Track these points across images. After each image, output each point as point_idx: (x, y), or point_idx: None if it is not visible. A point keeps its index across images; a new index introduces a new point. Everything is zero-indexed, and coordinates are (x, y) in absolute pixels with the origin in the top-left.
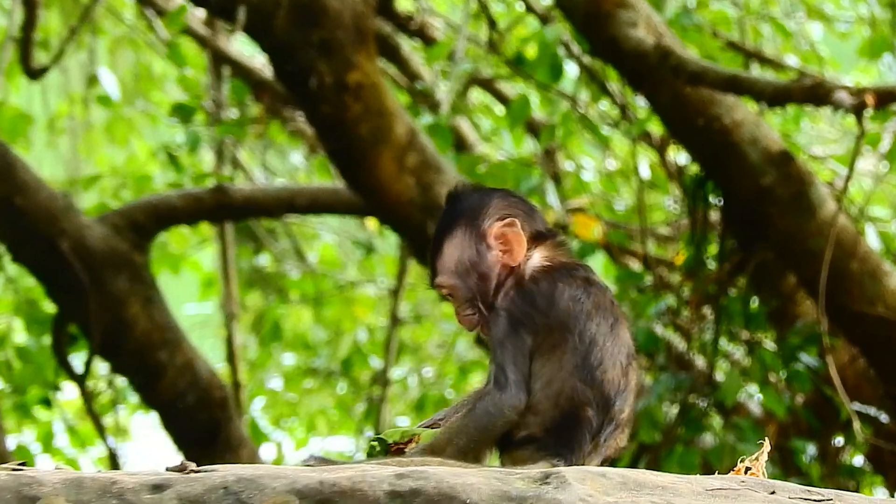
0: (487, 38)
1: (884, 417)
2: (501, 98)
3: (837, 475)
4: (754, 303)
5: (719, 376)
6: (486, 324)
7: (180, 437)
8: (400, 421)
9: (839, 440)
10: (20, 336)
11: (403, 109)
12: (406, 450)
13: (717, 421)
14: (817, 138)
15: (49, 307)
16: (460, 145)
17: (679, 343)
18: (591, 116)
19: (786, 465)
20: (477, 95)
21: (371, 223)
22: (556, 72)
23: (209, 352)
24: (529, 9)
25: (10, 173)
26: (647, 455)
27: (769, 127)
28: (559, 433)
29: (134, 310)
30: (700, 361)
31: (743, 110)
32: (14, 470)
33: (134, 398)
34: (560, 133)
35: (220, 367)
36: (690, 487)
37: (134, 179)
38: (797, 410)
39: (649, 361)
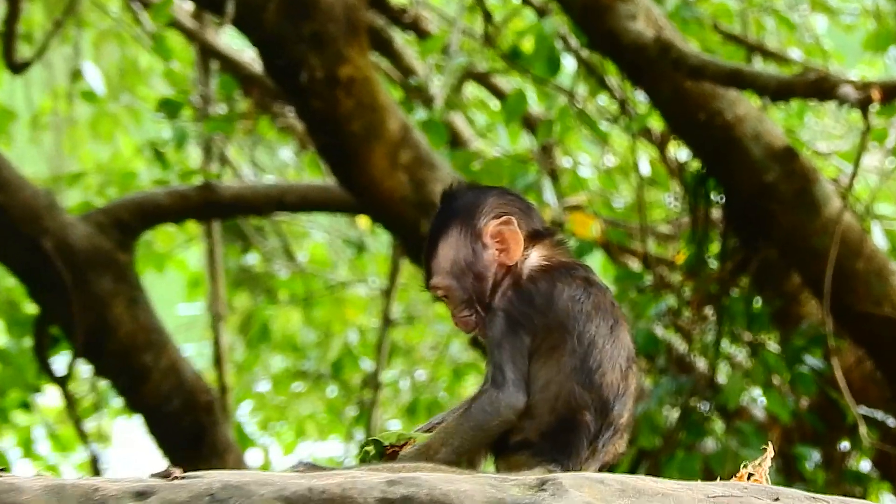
0: (483, 31)
1: (891, 421)
2: (497, 93)
3: (843, 481)
4: (757, 303)
5: (721, 379)
6: (483, 325)
7: (165, 442)
8: (391, 425)
9: (845, 445)
10: (0, 338)
11: (396, 104)
12: (401, 453)
13: (718, 425)
14: (822, 134)
15: (31, 308)
16: (455, 141)
17: (680, 345)
18: (590, 111)
19: (790, 471)
20: (472, 90)
21: (363, 221)
22: (554, 66)
23: (195, 354)
24: (526, 1)
25: None
26: (647, 461)
27: (772, 122)
28: (556, 438)
29: (118, 311)
30: (701, 364)
31: (745, 105)
32: None
33: (117, 402)
34: (557, 129)
35: (206, 369)
36: (691, 494)
37: (119, 176)
38: (801, 414)
39: (649, 364)
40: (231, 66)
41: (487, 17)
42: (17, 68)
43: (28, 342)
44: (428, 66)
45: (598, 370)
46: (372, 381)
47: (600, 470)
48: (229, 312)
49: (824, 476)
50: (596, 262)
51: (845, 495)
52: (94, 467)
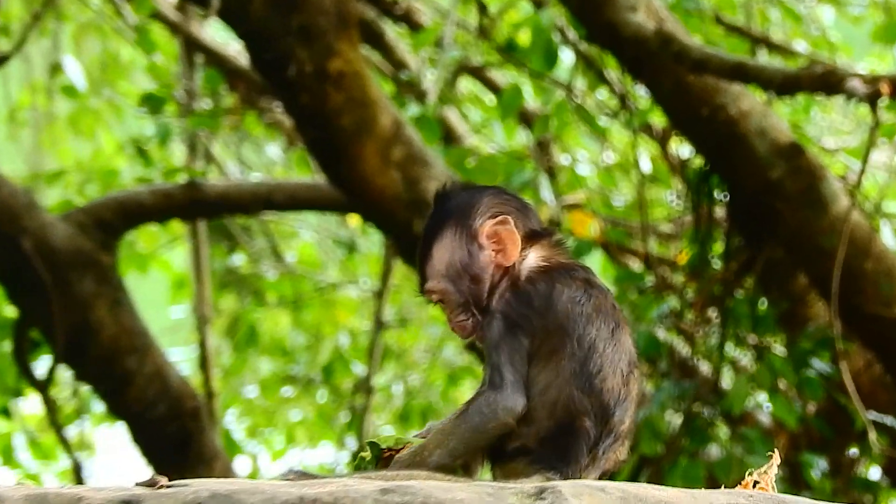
0: (477, 24)
1: None
2: (492, 87)
3: (852, 489)
4: (762, 305)
5: (725, 383)
6: (480, 330)
7: (150, 449)
8: (384, 431)
9: (854, 452)
10: None
11: (388, 99)
12: (396, 456)
13: (723, 431)
14: (829, 129)
15: (10, 311)
16: (448, 137)
17: (682, 348)
18: (588, 106)
19: (796, 479)
20: (466, 84)
21: (353, 220)
22: (551, 59)
23: (180, 358)
24: None
25: None
26: (649, 468)
27: (778, 117)
28: (555, 445)
29: (100, 313)
30: (705, 368)
31: (750, 100)
32: None
33: (100, 408)
34: (555, 124)
35: (192, 374)
36: (695, 502)
37: (100, 174)
38: (809, 420)
39: (651, 368)
40: (216, 60)
41: (482, 8)
42: None
43: (7, 346)
44: (421, 59)
45: (598, 375)
46: (364, 386)
47: (601, 478)
48: (215, 315)
49: (832, 484)
50: (595, 262)
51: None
52: (77, 476)
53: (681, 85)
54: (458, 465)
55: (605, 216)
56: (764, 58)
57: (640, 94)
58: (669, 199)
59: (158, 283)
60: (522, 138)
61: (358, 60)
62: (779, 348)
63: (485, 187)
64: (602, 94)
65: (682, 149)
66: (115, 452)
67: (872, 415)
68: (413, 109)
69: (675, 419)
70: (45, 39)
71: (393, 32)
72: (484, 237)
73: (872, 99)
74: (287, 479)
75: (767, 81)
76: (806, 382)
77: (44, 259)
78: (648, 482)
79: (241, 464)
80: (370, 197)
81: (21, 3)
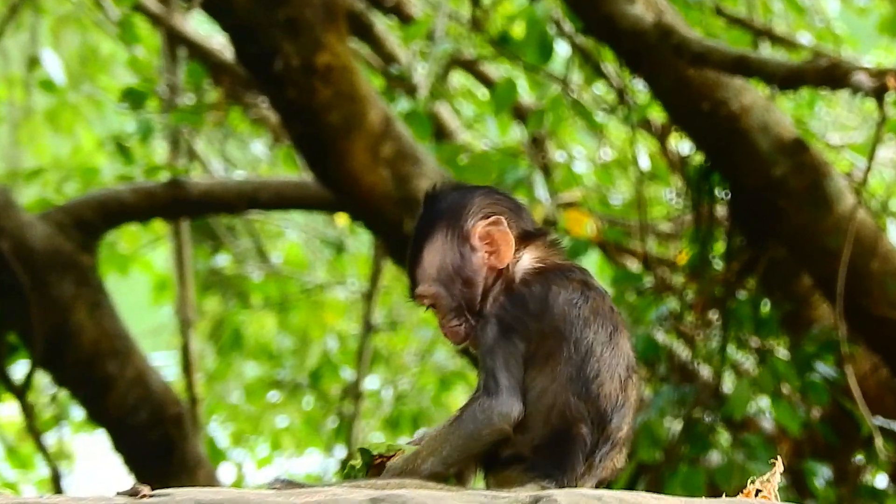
0: (470, 16)
1: None
2: (485, 81)
3: (858, 498)
4: (765, 306)
5: (727, 388)
6: (474, 335)
7: (131, 457)
8: (374, 438)
9: (859, 459)
10: None
11: (378, 94)
12: (388, 464)
13: (724, 437)
14: (834, 124)
15: None
16: (440, 133)
17: (682, 351)
18: (585, 101)
19: (800, 487)
20: (458, 79)
21: (341, 219)
22: (546, 52)
23: (163, 363)
24: None
25: None
26: (647, 475)
27: (781, 112)
28: (550, 452)
29: (80, 316)
30: (705, 371)
31: (752, 94)
32: None
33: (79, 414)
34: (550, 120)
35: (174, 379)
36: None
37: (80, 172)
38: (813, 426)
39: (649, 372)
40: (200, 54)
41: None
42: None
43: None
44: (411, 52)
45: (595, 380)
46: (352, 391)
47: (597, 486)
48: (199, 318)
49: (837, 492)
50: (592, 262)
51: None
52: (56, 485)
53: (680, 79)
54: (452, 474)
55: (602, 215)
56: (766, 51)
57: (639, 89)
58: (669, 198)
59: (140, 284)
60: (516, 134)
61: (346, 54)
62: (782, 351)
63: (476, 187)
64: (599, 88)
65: (681, 145)
66: (95, 460)
67: (879, 420)
68: (403, 104)
69: (674, 425)
70: (23, 32)
71: (382, 25)
72: (476, 239)
73: (879, 93)
74: (273, 488)
75: (770, 75)
76: (810, 387)
77: (21, 260)
78: (647, 490)
79: (225, 472)
80: (359, 195)
81: None
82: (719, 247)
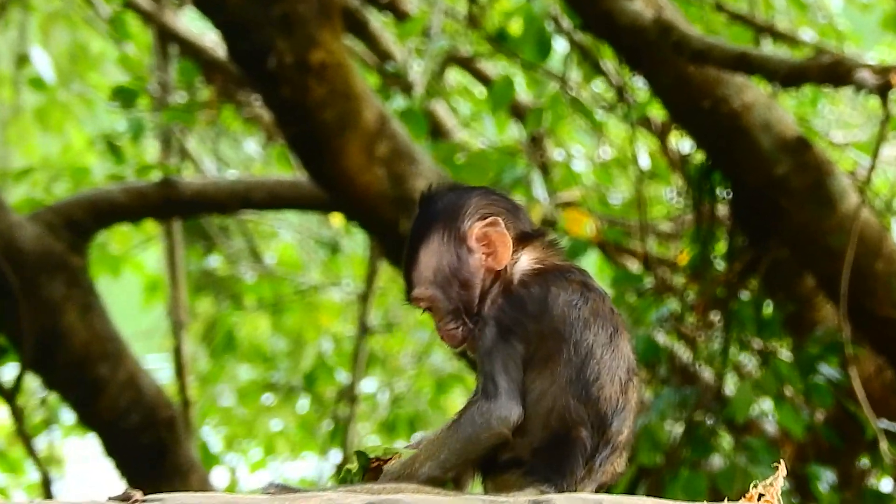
0: (467, 12)
1: None
2: (482, 79)
3: (862, 502)
4: (768, 307)
5: (729, 390)
6: (472, 338)
7: (123, 461)
8: (369, 442)
9: (864, 462)
10: None
11: (373, 92)
12: (385, 467)
13: (726, 441)
14: (837, 122)
15: None
16: (436, 132)
17: (683, 353)
18: (584, 99)
19: (804, 492)
20: (455, 76)
21: (336, 219)
22: (544, 49)
23: (155, 366)
24: None
25: None
26: (648, 479)
27: (783, 110)
28: (549, 456)
29: (70, 318)
30: (707, 374)
31: (753, 92)
32: None
33: (70, 418)
34: (548, 118)
35: (167, 382)
36: None
37: (70, 172)
38: (816, 429)
39: (650, 374)
40: (192, 51)
41: None
42: None
43: None
44: (407, 49)
45: (595, 382)
46: (348, 394)
47: (597, 490)
48: (191, 319)
49: (841, 497)
50: (591, 263)
51: None
52: (47, 490)
53: (681, 76)
54: (450, 478)
55: (601, 215)
56: (768, 47)
57: (638, 86)
58: (669, 197)
59: (131, 285)
60: (514, 133)
61: (341, 51)
62: (785, 353)
63: (473, 188)
64: (598, 86)
65: (682, 143)
66: (86, 465)
67: (884, 423)
68: (399, 102)
69: (675, 428)
70: (12, 30)
71: (378, 21)
72: (473, 240)
73: (883, 90)
74: (267, 493)
75: (772, 72)
76: (813, 389)
77: (11, 261)
78: (647, 495)
79: (218, 476)
80: (354, 195)
81: None
82: (721, 247)
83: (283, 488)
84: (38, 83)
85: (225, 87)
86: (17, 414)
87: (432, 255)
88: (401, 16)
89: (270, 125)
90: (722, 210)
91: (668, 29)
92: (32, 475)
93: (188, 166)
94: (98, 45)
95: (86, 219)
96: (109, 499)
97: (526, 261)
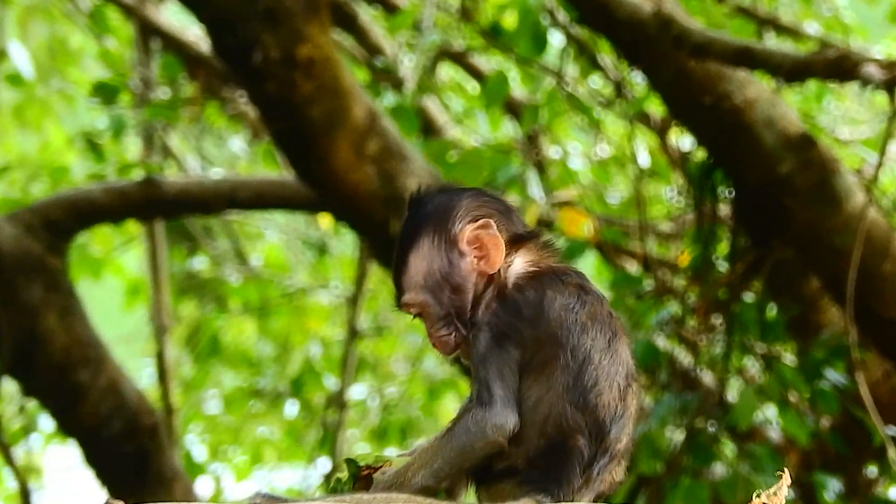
0: (459, 5)
1: None
2: (476, 74)
3: None
4: (771, 310)
5: (731, 396)
6: (465, 344)
7: (104, 470)
8: (359, 449)
9: (872, 470)
10: None
11: (362, 88)
12: (375, 476)
13: (728, 448)
14: (843, 119)
15: None
16: (428, 129)
17: (684, 358)
18: (581, 95)
19: (809, 500)
20: (447, 71)
21: (324, 220)
22: (539, 43)
23: (137, 371)
24: None
25: None
26: (648, 489)
27: (787, 106)
28: (545, 465)
29: (49, 322)
30: (709, 379)
31: (756, 87)
32: None
33: (49, 425)
34: (544, 114)
35: (149, 388)
36: None
37: (49, 171)
38: (822, 436)
39: (650, 379)
40: (174, 46)
41: None
42: None
43: None
44: (397, 44)
45: (593, 389)
46: (337, 401)
47: (595, 500)
48: (175, 323)
49: None
50: (589, 264)
51: None
52: (25, 500)
53: (681, 71)
54: (443, 488)
55: (599, 214)
56: (772, 41)
57: (637, 82)
58: (669, 196)
59: (112, 288)
60: (509, 130)
61: (329, 46)
62: (789, 357)
63: (464, 189)
64: (595, 81)
65: (682, 141)
66: (66, 474)
67: (892, 430)
68: (389, 99)
69: (676, 435)
70: None
71: (367, 15)
72: (464, 243)
73: (890, 85)
74: (254, 503)
75: (776, 67)
76: (819, 395)
77: None
78: None
79: (203, 485)
80: (343, 194)
81: None
82: (722, 247)
83: (270, 498)
84: (15, 79)
85: (209, 83)
86: None
87: (422, 260)
88: (391, 9)
89: (256, 122)
90: (724, 209)
91: (668, 22)
92: (10, 485)
93: (171, 165)
94: (78, 39)
95: (65, 219)
96: None
97: (520, 263)
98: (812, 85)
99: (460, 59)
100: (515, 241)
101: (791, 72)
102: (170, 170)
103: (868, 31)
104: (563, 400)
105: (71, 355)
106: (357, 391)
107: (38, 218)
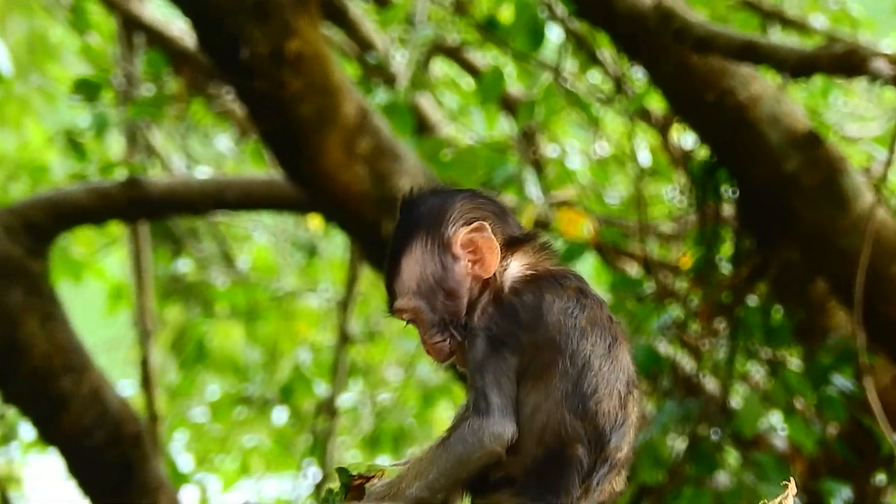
0: None
1: None
2: (471, 70)
3: None
4: (777, 314)
5: (735, 403)
6: (460, 351)
7: (87, 480)
8: (351, 458)
9: (880, 479)
10: None
11: (353, 84)
12: (367, 486)
13: (733, 457)
14: (851, 115)
15: None
16: (422, 127)
17: (687, 363)
18: (579, 91)
19: None
20: (441, 67)
21: (314, 221)
22: (537, 38)
23: (120, 378)
24: None
25: None
26: (649, 498)
27: (793, 102)
28: (543, 475)
29: (30, 328)
30: (712, 385)
31: (761, 83)
32: None
33: (30, 434)
34: (541, 111)
35: (133, 395)
36: None
37: (28, 170)
38: (829, 444)
39: (651, 386)
40: (159, 41)
41: None
42: None
43: None
44: (389, 38)
45: (593, 396)
46: (327, 408)
47: None
48: (159, 328)
49: None
50: (588, 266)
51: None
52: None
53: (683, 66)
54: (438, 500)
55: (598, 215)
56: (777, 35)
57: (637, 77)
58: (671, 196)
59: (95, 292)
60: (505, 128)
61: (318, 40)
62: (795, 363)
63: (457, 190)
64: (594, 77)
65: (684, 138)
66: (47, 484)
67: None
68: (381, 96)
69: (678, 443)
70: None
71: (358, 8)
72: (458, 247)
73: None
74: None
75: (781, 62)
76: (826, 401)
77: None
78: None
79: (188, 495)
80: (333, 194)
81: None
82: (726, 249)
83: None
84: None
85: (194, 80)
86: None
87: (415, 264)
88: (382, 2)
89: (243, 120)
90: (727, 210)
91: (670, 15)
92: None
93: (155, 164)
94: (58, 34)
95: (46, 221)
96: None
97: (517, 267)
98: (818, 80)
99: (455, 54)
100: (511, 244)
101: (797, 67)
102: (154, 169)
103: (876, 25)
104: (561, 408)
105: (52, 362)
106: (348, 398)
107: (17, 219)
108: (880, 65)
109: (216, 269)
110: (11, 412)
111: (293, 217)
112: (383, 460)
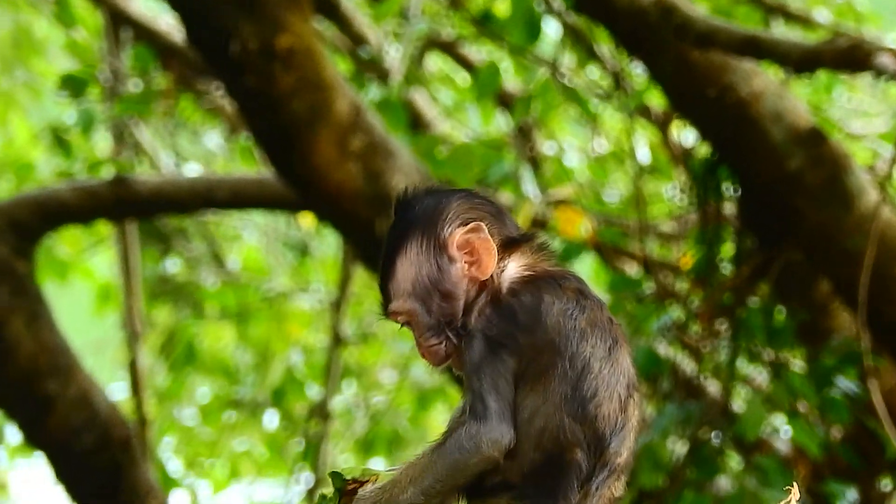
0: None
1: None
2: (466, 65)
3: None
4: (779, 315)
5: (737, 406)
6: (457, 354)
7: (75, 485)
8: (344, 462)
9: (885, 483)
10: None
11: (346, 80)
12: (360, 491)
13: (734, 460)
14: (855, 112)
15: None
16: (416, 123)
17: (688, 365)
18: (577, 87)
19: None
20: (436, 62)
21: (306, 220)
22: (533, 32)
23: (109, 380)
24: None
25: None
26: (649, 503)
27: (796, 99)
28: (541, 480)
29: (16, 329)
30: (713, 387)
31: (763, 79)
32: None
33: (16, 438)
34: (538, 107)
35: (122, 398)
36: None
37: (13, 168)
38: (833, 447)
39: (651, 388)
40: (146, 35)
41: None
42: None
43: None
44: (383, 33)
45: (592, 399)
46: (320, 411)
47: None
48: (148, 330)
49: None
50: (586, 267)
51: None
52: None
53: (684, 62)
54: None
55: (597, 214)
56: (780, 30)
57: (637, 73)
58: (671, 194)
59: (82, 293)
60: (501, 124)
61: (310, 35)
62: (798, 365)
63: (453, 190)
64: (593, 72)
65: (685, 135)
66: (33, 489)
67: None
68: (375, 92)
69: (679, 447)
70: None
71: (350, 2)
72: (454, 248)
73: None
74: None
75: (784, 57)
76: (829, 404)
77: None
78: None
79: (178, 500)
80: (325, 193)
81: None
82: (727, 249)
83: None
84: None
85: (183, 75)
86: None
87: (410, 266)
88: None
89: (233, 117)
90: (729, 208)
91: (670, 10)
92: None
93: (143, 162)
94: (43, 28)
95: (31, 220)
96: None
97: (514, 268)
98: (822, 76)
99: (450, 48)
100: (508, 245)
101: (800, 62)
102: (142, 167)
103: (881, 19)
104: (560, 411)
105: (39, 364)
106: (341, 401)
107: (2, 218)
108: (885, 60)
109: (206, 269)
110: None
111: (284, 216)
112: (377, 464)
